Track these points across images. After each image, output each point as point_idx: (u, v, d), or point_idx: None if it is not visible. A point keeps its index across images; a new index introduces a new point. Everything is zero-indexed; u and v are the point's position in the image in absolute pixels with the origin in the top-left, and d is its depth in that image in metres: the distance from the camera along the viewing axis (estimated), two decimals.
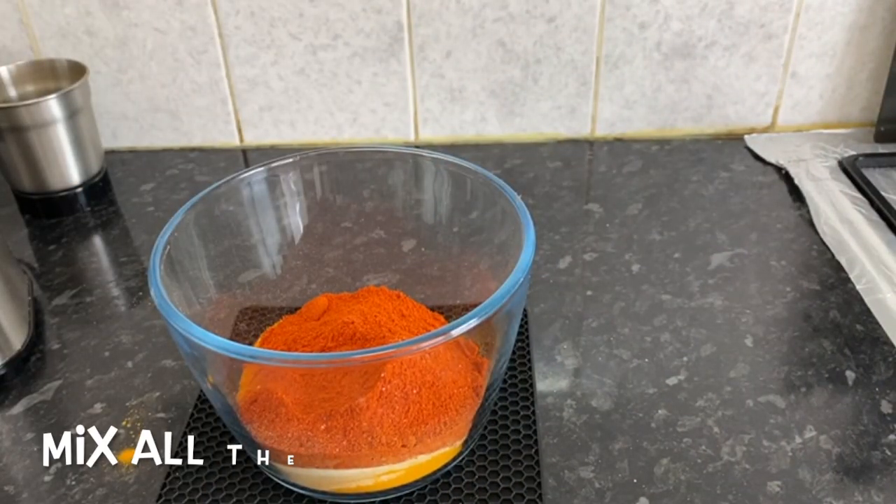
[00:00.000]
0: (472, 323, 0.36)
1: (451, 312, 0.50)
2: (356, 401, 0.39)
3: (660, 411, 0.47)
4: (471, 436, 0.43)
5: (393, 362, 0.40)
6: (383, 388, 0.39)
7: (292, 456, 0.40)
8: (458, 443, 0.42)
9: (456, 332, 0.35)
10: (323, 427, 0.39)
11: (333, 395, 0.40)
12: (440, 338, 0.35)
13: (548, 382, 0.49)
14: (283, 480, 0.42)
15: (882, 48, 0.73)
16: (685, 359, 0.51)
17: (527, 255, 0.40)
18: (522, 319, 0.54)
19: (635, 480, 0.43)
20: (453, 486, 0.43)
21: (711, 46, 0.73)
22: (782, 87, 0.75)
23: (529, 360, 0.50)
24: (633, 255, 0.61)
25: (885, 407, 0.47)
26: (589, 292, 0.57)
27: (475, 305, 0.37)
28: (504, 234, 0.46)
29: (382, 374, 0.39)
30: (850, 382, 0.49)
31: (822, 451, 0.44)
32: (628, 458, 0.44)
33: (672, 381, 0.49)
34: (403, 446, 0.40)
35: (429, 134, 0.78)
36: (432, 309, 0.50)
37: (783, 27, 0.72)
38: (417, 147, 0.64)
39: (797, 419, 0.46)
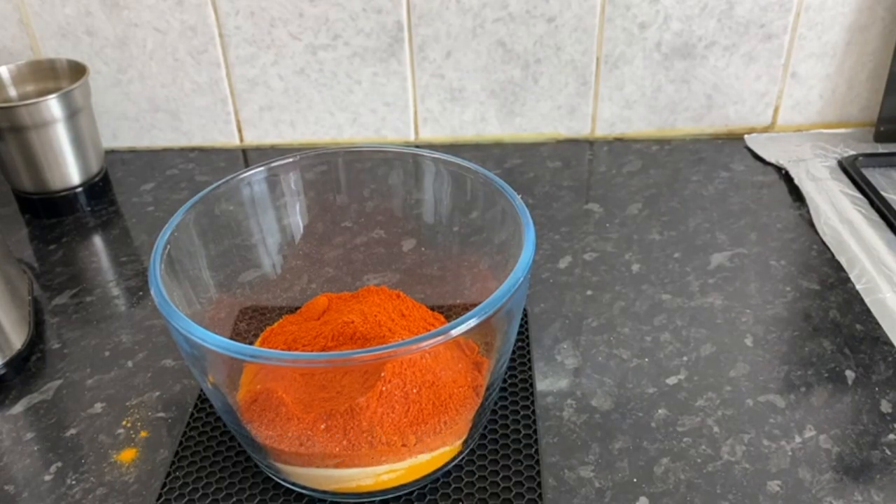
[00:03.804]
0: (472, 322, 0.36)
1: (451, 312, 0.50)
2: (356, 400, 0.39)
3: (660, 411, 0.47)
4: (471, 435, 0.43)
5: (393, 362, 0.40)
6: (383, 388, 0.39)
7: (292, 455, 0.40)
8: (458, 442, 0.42)
9: (456, 332, 0.36)
10: (323, 426, 0.39)
11: (333, 394, 0.40)
12: (440, 337, 0.35)
13: (548, 382, 0.50)
14: (283, 480, 0.42)
15: (882, 48, 0.73)
16: (685, 358, 0.51)
17: (527, 254, 0.40)
18: (522, 319, 0.54)
19: (635, 480, 0.43)
20: (453, 485, 0.43)
21: (711, 46, 0.73)
22: (782, 86, 0.75)
23: (529, 360, 0.50)
24: (633, 255, 0.61)
25: (885, 406, 0.47)
26: (589, 292, 0.57)
27: (475, 305, 0.37)
28: (504, 233, 0.46)
29: (382, 374, 0.39)
30: (850, 382, 0.49)
31: (821, 450, 0.44)
32: (628, 457, 0.44)
33: (672, 380, 0.49)
34: (403, 446, 0.40)
35: (429, 134, 0.78)
36: (432, 309, 0.50)
37: (783, 27, 0.72)
38: (417, 147, 0.64)
39: (797, 419, 0.46)
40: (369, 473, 0.40)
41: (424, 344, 0.35)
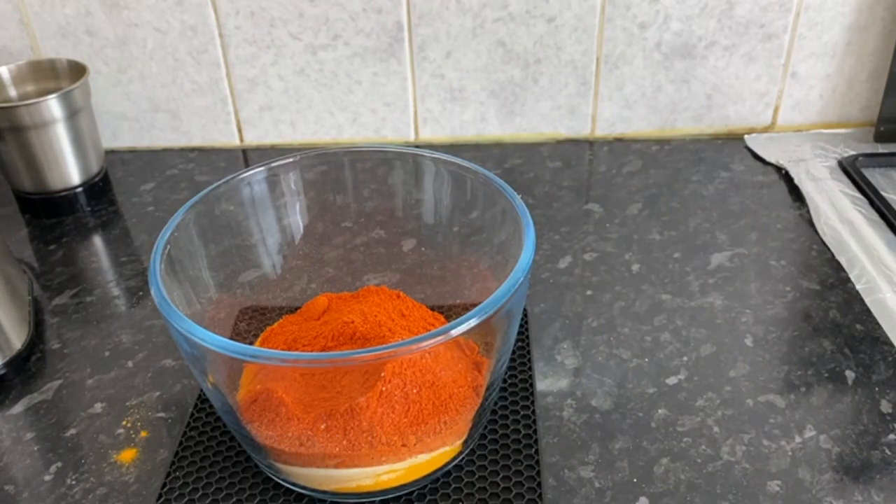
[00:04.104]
0: (472, 322, 0.36)
1: (451, 312, 0.50)
2: (356, 400, 0.39)
3: (660, 411, 0.47)
4: (471, 435, 0.43)
5: (393, 362, 0.40)
6: (383, 388, 0.39)
7: (292, 455, 0.40)
8: (458, 442, 0.42)
9: (456, 332, 0.36)
10: (323, 426, 0.39)
11: (333, 394, 0.40)
12: (440, 337, 0.35)
13: (548, 382, 0.50)
14: (283, 480, 0.42)
15: (882, 48, 0.73)
16: (685, 358, 0.51)
17: (527, 254, 0.40)
18: (522, 319, 0.54)
19: (635, 480, 0.43)
20: (453, 485, 0.43)
21: (711, 46, 0.73)
22: (782, 86, 0.75)
23: (529, 360, 0.50)
24: (633, 255, 0.61)
25: (885, 406, 0.47)
26: (589, 292, 0.57)
27: (475, 305, 0.37)
28: (504, 233, 0.46)
29: (382, 374, 0.39)
30: (850, 382, 0.49)
31: (821, 450, 0.44)
32: (628, 457, 0.44)
33: (672, 380, 0.49)
34: (403, 446, 0.40)
35: (429, 134, 0.78)
36: (432, 309, 0.50)
37: (783, 27, 0.72)
38: (417, 147, 0.64)
39: (797, 419, 0.46)
40: (369, 473, 0.40)
41: (424, 344, 0.35)
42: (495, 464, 0.44)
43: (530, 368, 0.50)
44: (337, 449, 0.39)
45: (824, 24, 0.72)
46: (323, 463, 0.40)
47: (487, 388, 0.43)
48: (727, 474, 0.43)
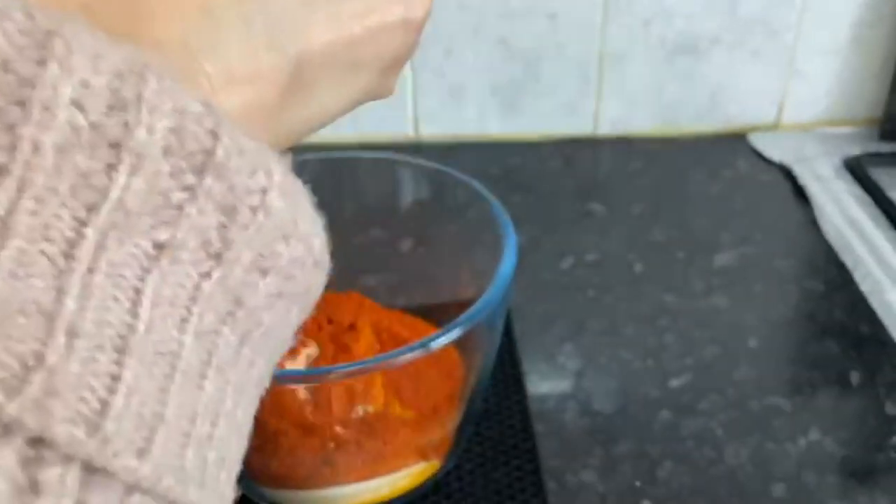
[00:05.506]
0: (454, 334, 0.35)
1: (446, 314, 0.49)
2: None
3: (663, 414, 0.47)
4: (454, 449, 0.42)
5: (372, 376, 0.39)
6: None
7: (273, 478, 0.39)
8: (442, 456, 0.41)
9: (435, 345, 0.34)
10: None
11: None
12: (418, 351, 0.34)
13: (549, 385, 0.49)
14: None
15: (888, 46, 0.72)
16: (688, 360, 0.50)
17: (507, 265, 0.38)
18: (507, 323, 0.53)
19: (638, 484, 0.42)
20: (455, 492, 0.42)
21: (715, 43, 0.72)
22: (787, 84, 0.74)
23: (518, 363, 0.49)
24: (635, 255, 0.60)
25: (891, 409, 0.46)
26: (591, 293, 0.57)
27: (470, 303, 0.36)
28: (494, 237, 0.45)
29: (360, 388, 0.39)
30: (856, 384, 0.48)
31: (827, 453, 0.44)
32: (631, 461, 0.44)
33: (675, 382, 0.49)
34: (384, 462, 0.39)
35: (429, 132, 0.78)
36: (428, 308, 0.48)
37: (788, 24, 0.71)
38: (417, 146, 0.64)
39: (802, 421, 0.46)
40: (347, 493, 0.39)
41: (402, 358, 0.34)
42: (495, 470, 0.43)
43: (519, 372, 0.49)
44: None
45: (830, 21, 0.71)
46: (305, 484, 0.39)
47: (470, 399, 0.41)
48: (731, 478, 0.42)
